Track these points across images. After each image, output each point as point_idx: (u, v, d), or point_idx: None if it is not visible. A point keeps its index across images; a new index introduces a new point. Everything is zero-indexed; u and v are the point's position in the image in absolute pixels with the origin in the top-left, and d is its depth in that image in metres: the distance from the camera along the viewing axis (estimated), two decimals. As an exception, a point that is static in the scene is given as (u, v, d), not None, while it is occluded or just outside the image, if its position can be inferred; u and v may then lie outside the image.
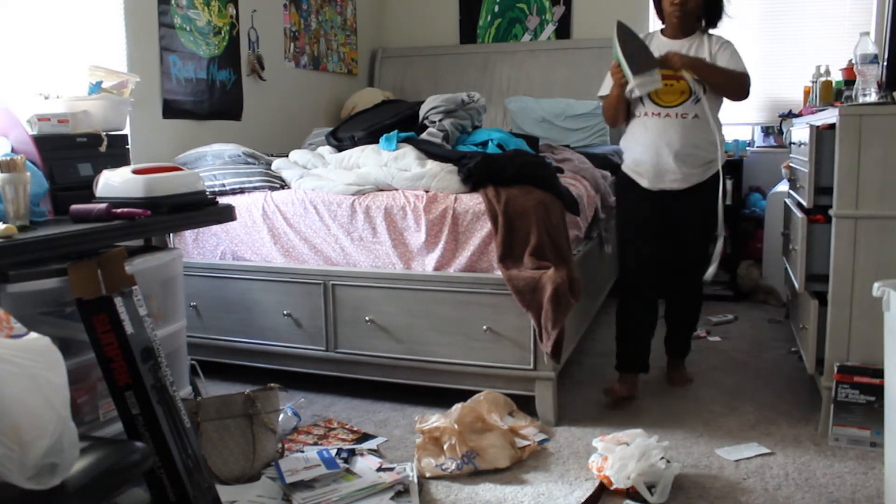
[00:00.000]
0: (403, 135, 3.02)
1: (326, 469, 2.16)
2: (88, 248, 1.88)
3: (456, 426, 2.28)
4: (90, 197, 2.12)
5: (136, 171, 2.10)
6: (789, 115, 3.89)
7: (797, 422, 2.57)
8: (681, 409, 2.70)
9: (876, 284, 1.76)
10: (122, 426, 1.81)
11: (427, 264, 2.65)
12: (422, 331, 2.65)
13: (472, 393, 2.57)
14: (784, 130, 4.11)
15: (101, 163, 2.27)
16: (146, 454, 1.48)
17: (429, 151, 2.88)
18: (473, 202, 2.61)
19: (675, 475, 2.11)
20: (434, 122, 3.15)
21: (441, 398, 2.63)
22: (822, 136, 2.44)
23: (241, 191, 2.95)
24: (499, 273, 2.52)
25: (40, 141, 2.16)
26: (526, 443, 2.37)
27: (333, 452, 2.26)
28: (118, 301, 1.81)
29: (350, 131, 3.25)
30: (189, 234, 2.96)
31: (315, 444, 2.43)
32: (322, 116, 4.65)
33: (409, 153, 2.84)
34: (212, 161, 3.07)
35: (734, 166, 4.42)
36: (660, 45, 2.76)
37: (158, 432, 1.79)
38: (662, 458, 2.10)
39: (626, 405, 2.74)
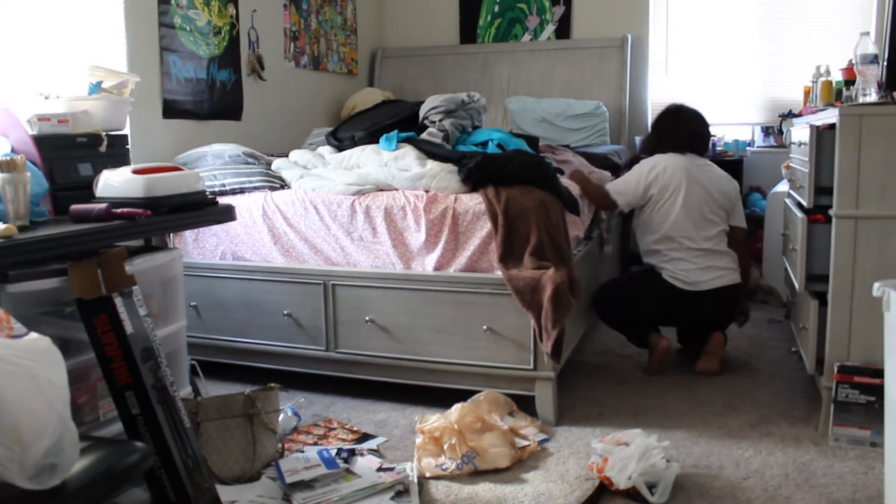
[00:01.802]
0: (403, 135, 3.02)
1: (326, 469, 2.16)
2: (88, 248, 1.88)
3: (456, 426, 2.28)
4: (90, 197, 2.12)
5: (136, 171, 2.10)
6: (789, 115, 3.89)
7: (797, 422, 2.57)
8: (681, 409, 2.70)
9: (876, 284, 1.75)
10: (122, 426, 1.81)
11: (427, 264, 2.65)
12: (422, 331, 2.65)
13: (472, 393, 2.57)
14: (784, 130, 4.10)
15: (101, 163, 2.27)
16: (146, 454, 1.49)
17: (429, 151, 2.88)
18: (473, 202, 2.60)
19: (675, 475, 2.11)
20: (434, 122, 3.14)
21: (441, 398, 2.63)
22: (822, 136, 2.44)
23: (241, 191, 2.95)
24: (499, 273, 2.52)
25: (40, 141, 2.16)
26: (526, 443, 2.37)
27: (333, 452, 2.26)
28: (118, 301, 1.81)
29: (350, 131, 3.25)
30: (189, 234, 2.96)
31: (315, 444, 2.43)
32: (322, 116, 4.65)
33: (409, 153, 2.84)
34: (212, 161, 3.07)
35: (734, 166, 4.43)
36: None
37: (158, 432, 1.79)
38: (662, 457, 2.10)
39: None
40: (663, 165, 3.09)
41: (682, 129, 3.19)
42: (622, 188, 3.13)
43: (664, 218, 3.06)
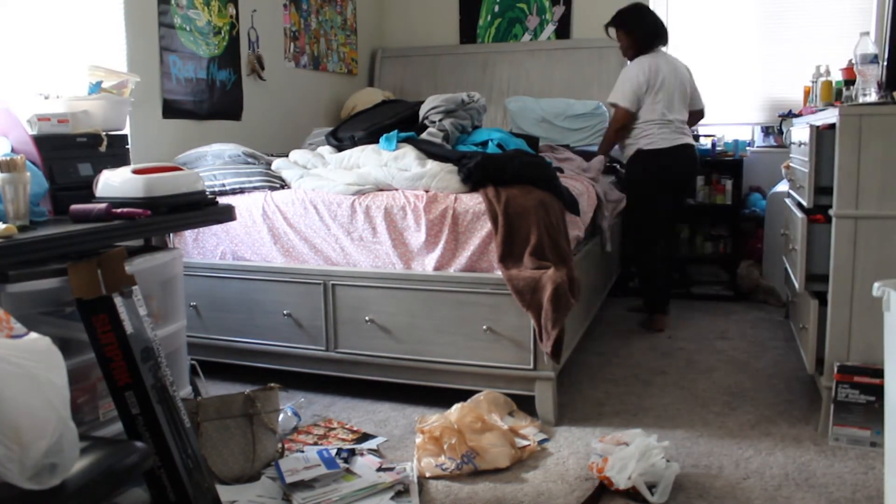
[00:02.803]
0: (403, 135, 3.02)
1: (326, 469, 2.16)
2: (88, 248, 1.88)
3: (456, 426, 2.28)
4: (90, 197, 2.12)
5: (135, 171, 2.10)
6: (789, 115, 3.89)
7: (797, 422, 2.57)
8: (681, 409, 2.70)
9: (876, 284, 1.75)
10: (122, 426, 1.81)
11: (427, 264, 2.65)
12: (422, 331, 2.65)
13: (472, 393, 2.57)
14: (784, 130, 4.11)
15: (101, 163, 2.27)
16: (146, 454, 1.48)
17: (429, 151, 2.88)
18: (473, 202, 2.61)
19: (675, 475, 2.11)
20: (434, 122, 3.15)
21: (441, 398, 2.63)
22: (822, 136, 2.44)
23: (241, 191, 2.95)
24: (499, 273, 2.52)
25: (40, 141, 2.16)
26: (526, 443, 2.37)
27: (333, 452, 2.26)
28: (118, 301, 1.81)
29: (350, 131, 3.25)
30: (189, 234, 2.96)
31: (315, 444, 2.43)
32: (322, 116, 4.65)
33: (409, 153, 2.84)
34: (212, 161, 3.07)
35: (734, 166, 4.43)
36: None
37: (158, 432, 1.79)
38: (662, 457, 2.10)
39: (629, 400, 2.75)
40: (647, 63, 3.63)
41: (653, 23, 3.75)
42: (627, 93, 3.64)
43: (650, 109, 3.63)
